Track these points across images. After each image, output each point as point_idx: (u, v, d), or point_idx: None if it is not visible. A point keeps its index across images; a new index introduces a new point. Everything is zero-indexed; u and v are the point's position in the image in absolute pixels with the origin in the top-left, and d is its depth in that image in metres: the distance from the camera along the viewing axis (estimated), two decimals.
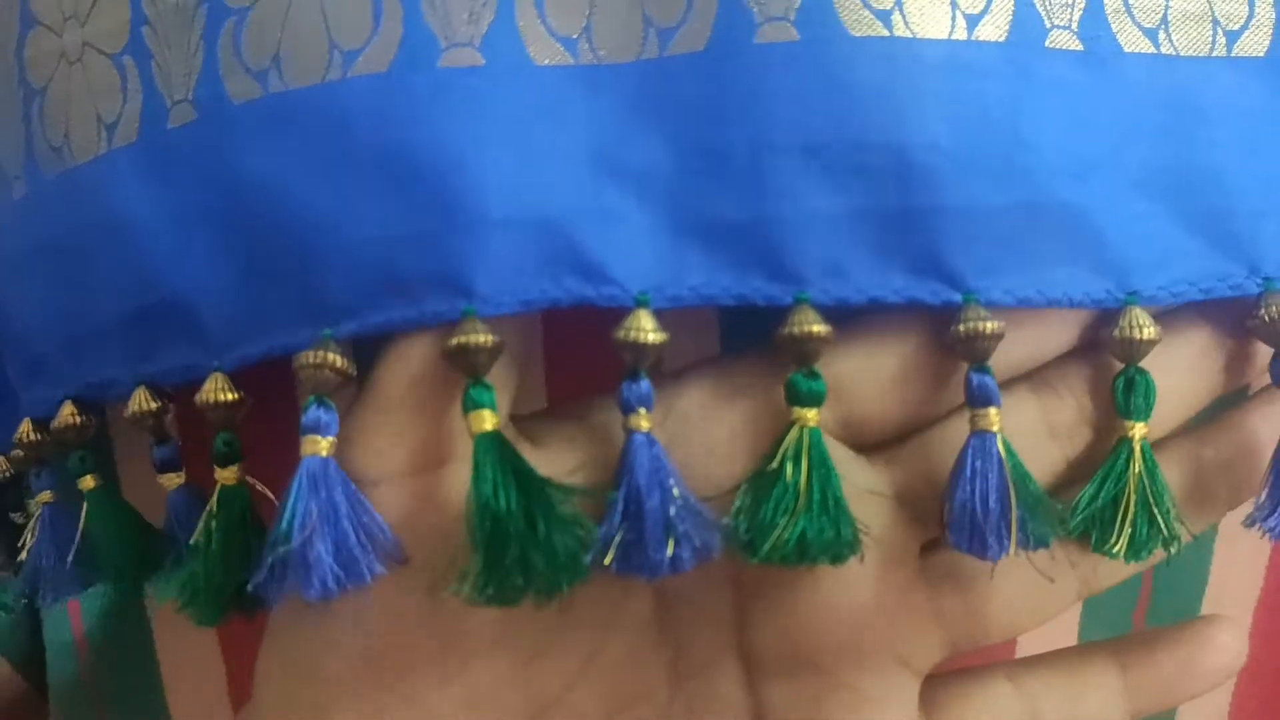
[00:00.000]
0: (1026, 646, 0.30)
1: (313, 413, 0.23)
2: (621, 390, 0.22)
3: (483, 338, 0.22)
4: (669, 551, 0.21)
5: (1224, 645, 0.27)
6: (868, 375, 0.25)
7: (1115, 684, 0.27)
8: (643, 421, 0.22)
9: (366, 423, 0.24)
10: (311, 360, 0.23)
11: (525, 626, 0.24)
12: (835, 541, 0.22)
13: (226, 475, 0.25)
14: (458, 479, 0.23)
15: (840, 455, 0.24)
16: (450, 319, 0.23)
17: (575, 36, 0.24)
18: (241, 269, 0.24)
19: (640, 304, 0.23)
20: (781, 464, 0.23)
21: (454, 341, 0.22)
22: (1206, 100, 0.25)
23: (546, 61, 0.24)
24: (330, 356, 0.23)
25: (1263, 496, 0.25)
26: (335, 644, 0.24)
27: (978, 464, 0.23)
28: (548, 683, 0.25)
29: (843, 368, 0.24)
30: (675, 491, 0.22)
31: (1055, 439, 0.26)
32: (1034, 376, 0.26)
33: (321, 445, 0.23)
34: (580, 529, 0.22)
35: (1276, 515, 0.24)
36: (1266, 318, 0.24)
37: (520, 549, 0.21)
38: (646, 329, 0.22)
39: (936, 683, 0.27)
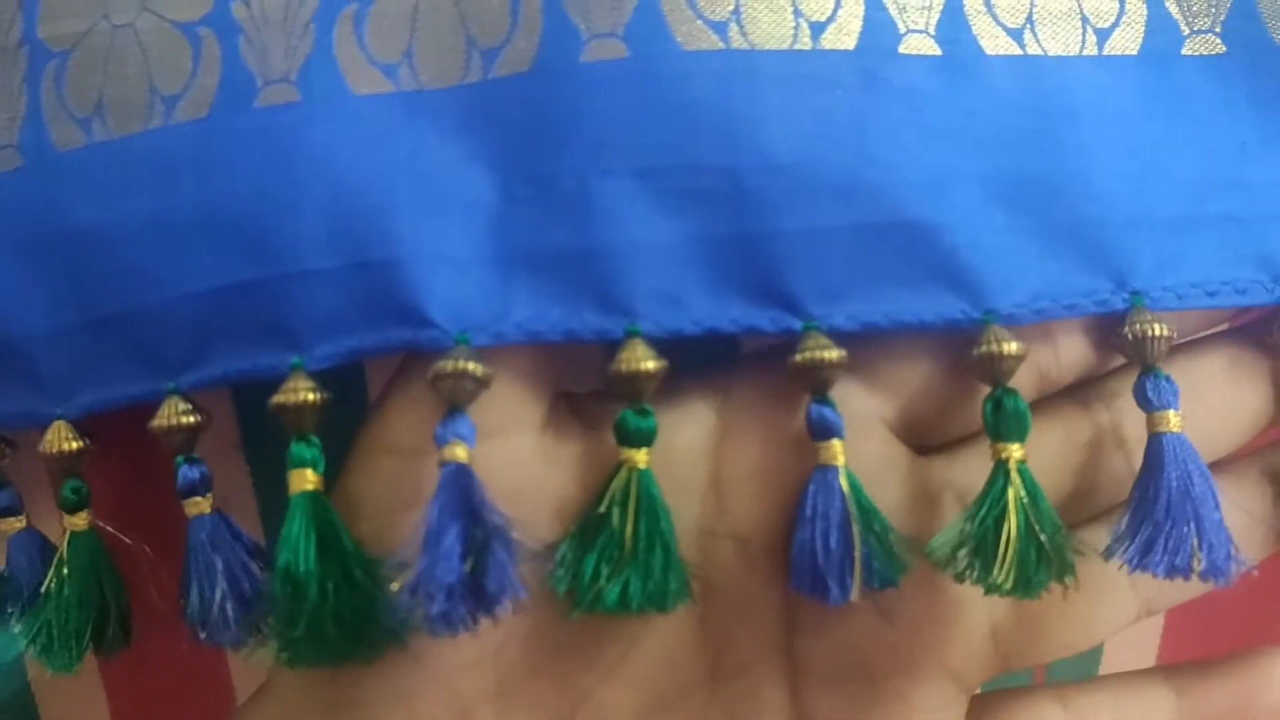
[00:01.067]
0: None
1: (183, 471, 0.23)
2: (437, 427, 0.21)
3: (307, 395, 0.22)
4: (466, 580, 0.20)
5: None
6: (925, 371, 0.24)
7: (1169, 711, 0.25)
8: (458, 452, 0.21)
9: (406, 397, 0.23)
10: (166, 421, 0.23)
11: (555, 616, 0.23)
12: (660, 595, 0.21)
13: (76, 522, 0.24)
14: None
15: (898, 454, 0.23)
16: (277, 372, 0.22)
17: (396, 62, 0.23)
18: (77, 319, 0.23)
19: (460, 344, 0.22)
20: (608, 509, 0.22)
21: (275, 400, 0.22)
22: (1077, 102, 0.23)
23: (366, 90, 0.23)
24: (179, 409, 0.23)
25: (1121, 525, 0.23)
26: None
27: (819, 501, 0.22)
28: (580, 677, 0.23)
29: (899, 366, 0.23)
30: (484, 519, 0.20)
31: (1083, 466, 0.24)
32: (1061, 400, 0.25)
33: (202, 504, 0.23)
34: (379, 600, 0.21)
35: (1136, 544, 0.22)
36: (1130, 335, 0.23)
37: (313, 616, 0.20)
38: (464, 366, 0.21)
39: (983, 701, 0.25)
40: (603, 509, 0.22)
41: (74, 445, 0.24)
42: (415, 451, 0.22)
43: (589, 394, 0.24)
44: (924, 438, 0.24)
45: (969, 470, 0.24)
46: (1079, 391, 0.25)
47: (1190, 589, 0.24)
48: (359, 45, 0.23)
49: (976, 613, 0.24)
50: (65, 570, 0.24)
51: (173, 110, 0.23)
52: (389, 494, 0.22)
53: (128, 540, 0.25)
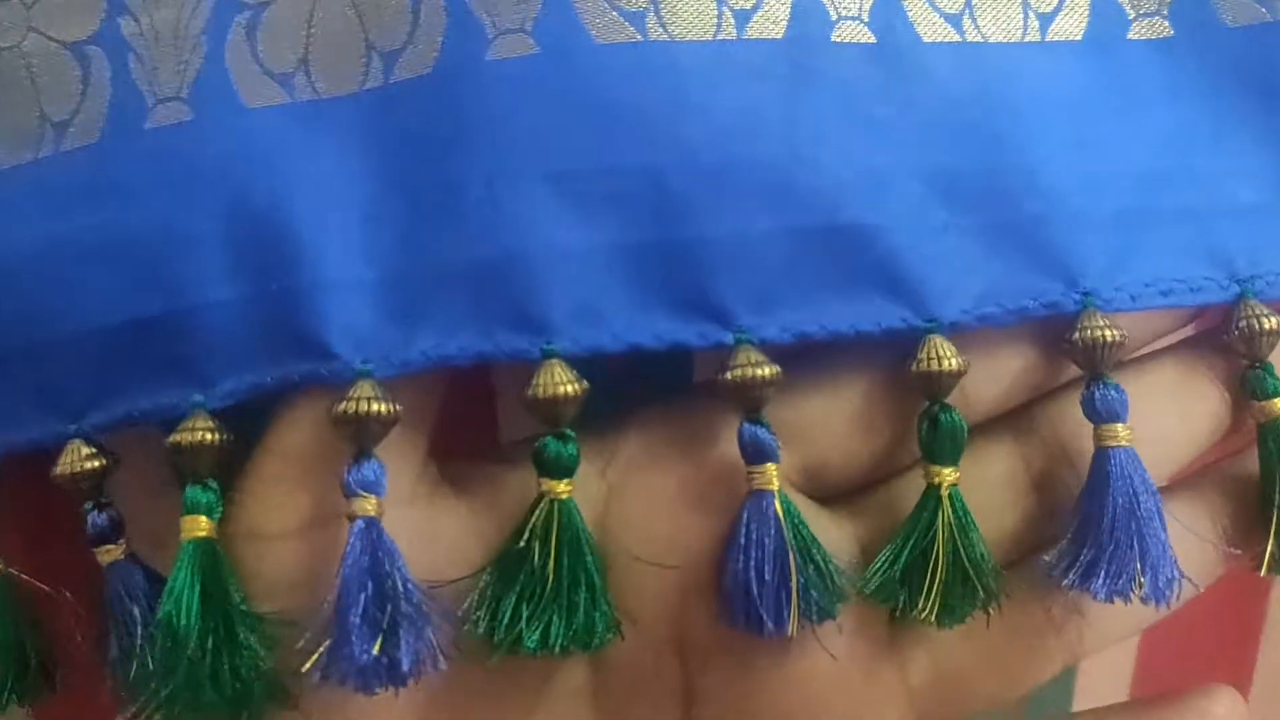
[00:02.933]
0: None
1: (91, 518, 0.21)
2: (344, 474, 0.20)
3: (205, 435, 0.20)
4: (379, 657, 0.19)
5: (1221, 717, 0.23)
6: (827, 418, 0.22)
7: None
8: (367, 506, 0.20)
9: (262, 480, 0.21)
10: (69, 468, 0.21)
11: (445, 696, 0.21)
12: (586, 634, 0.20)
13: None
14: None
15: (802, 508, 0.21)
16: (179, 410, 0.21)
17: (291, 71, 0.21)
18: None
19: (361, 376, 0.20)
20: (528, 544, 0.20)
21: (171, 440, 0.20)
22: (1019, 92, 0.22)
23: (259, 103, 0.21)
24: (82, 454, 0.21)
25: (1064, 544, 0.21)
26: None
27: (753, 529, 0.20)
28: None
29: (800, 411, 0.22)
30: (394, 585, 0.19)
31: (1036, 489, 0.23)
32: (1011, 420, 0.23)
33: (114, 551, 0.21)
34: (260, 660, 0.20)
35: (1078, 566, 0.21)
36: (1080, 341, 0.21)
37: (190, 673, 0.19)
38: (366, 398, 0.20)
39: None
40: (522, 543, 0.20)
41: None
42: (278, 535, 0.21)
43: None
44: (824, 489, 0.23)
45: (868, 523, 0.22)
46: (1020, 418, 0.23)
47: (1117, 632, 0.23)
48: (251, 55, 0.21)
49: (890, 674, 0.22)
50: None
51: (63, 136, 0.21)
52: (253, 583, 0.21)
53: (43, 586, 0.24)
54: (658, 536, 0.21)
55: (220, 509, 0.21)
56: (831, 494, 0.23)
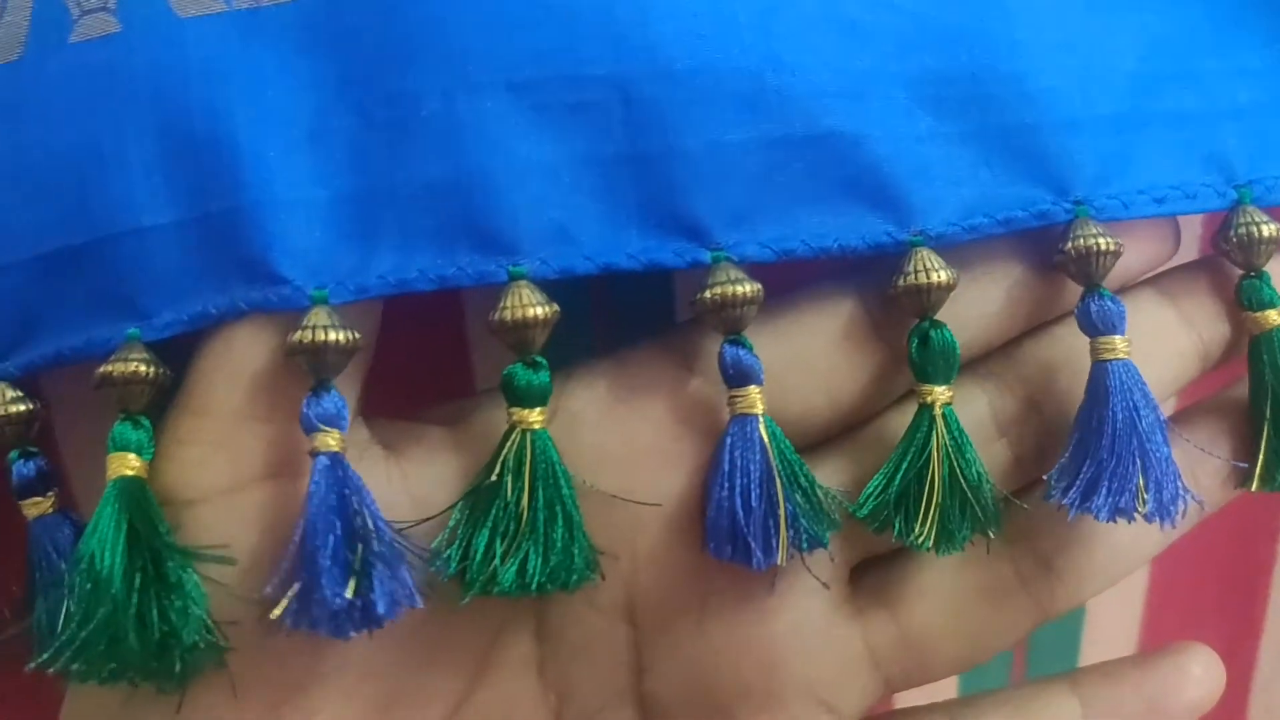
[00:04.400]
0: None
1: (16, 468, 0.20)
2: (302, 408, 0.19)
3: (138, 367, 0.19)
4: (353, 600, 0.18)
5: (1198, 678, 0.23)
6: (802, 359, 0.21)
7: None
8: (330, 441, 0.19)
9: (183, 432, 0.20)
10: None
11: (382, 667, 0.20)
12: (564, 571, 0.19)
13: None
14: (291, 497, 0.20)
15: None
16: (113, 346, 0.19)
17: None
18: None
19: (316, 302, 0.19)
20: (501, 477, 0.19)
21: (100, 370, 0.19)
22: None
23: (193, 11, 0.20)
24: (7, 396, 0.20)
25: (1063, 461, 0.21)
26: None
27: (737, 455, 0.19)
28: None
29: (774, 353, 0.20)
30: (364, 524, 0.18)
31: (1003, 436, 0.22)
32: (980, 367, 0.22)
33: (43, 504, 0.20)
34: (193, 604, 0.18)
35: (1078, 485, 0.20)
36: (1074, 251, 0.20)
37: (112, 617, 0.18)
38: (322, 326, 0.19)
39: None
40: (494, 477, 0.19)
41: None
42: (190, 501, 0.19)
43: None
44: (807, 437, 0.21)
45: (856, 459, 0.22)
46: (1008, 353, 0.22)
47: (1087, 589, 0.22)
48: None
49: (849, 634, 0.21)
50: None
51: None
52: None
53: None
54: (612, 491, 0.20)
55: (151, 448, 0.19)
56: (816, 442, 0.22)
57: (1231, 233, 0.21)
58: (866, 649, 0.22)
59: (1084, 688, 0.23)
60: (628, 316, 0.24)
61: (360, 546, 0.18)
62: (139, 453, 0.19)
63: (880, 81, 0.20)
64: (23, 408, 0.20)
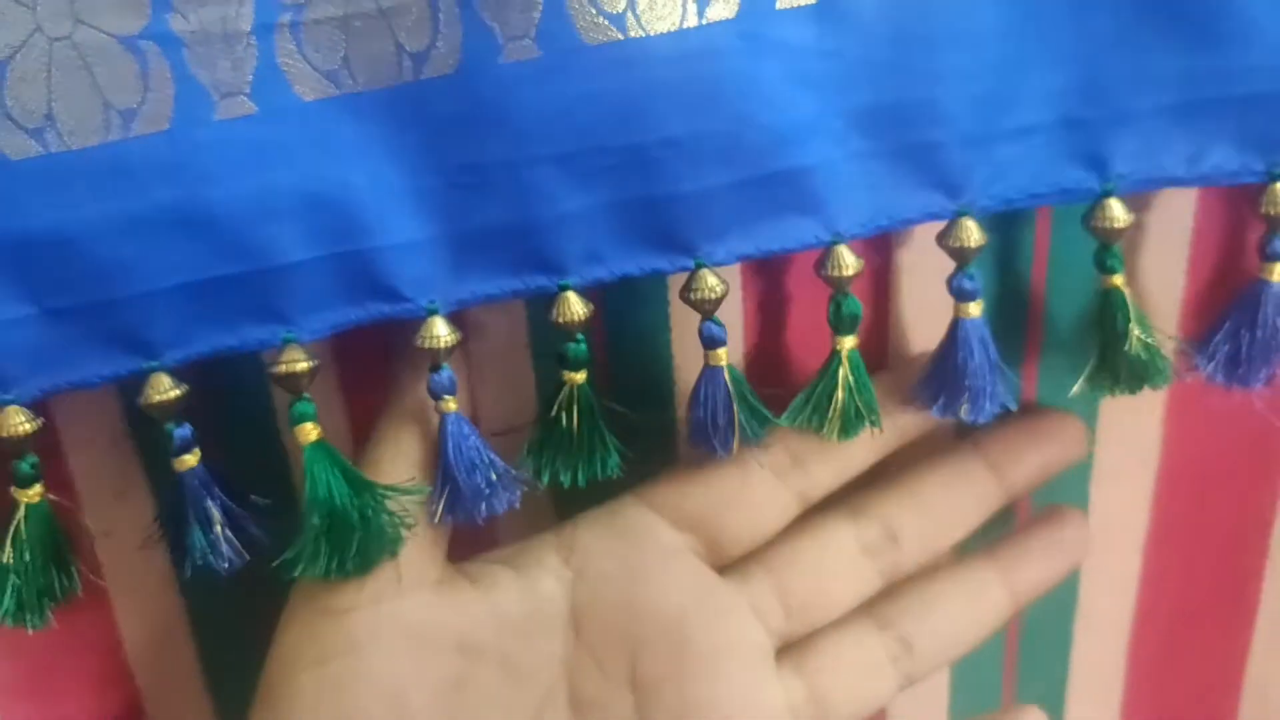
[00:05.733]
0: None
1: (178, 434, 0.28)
2: (429, 382, 0.28)
3: (301, 364, 0.27)
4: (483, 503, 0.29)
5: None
6: (715, 503, 0.31)
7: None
8: (450, 404, 0.28)
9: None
10: (153, 398, 0.27)
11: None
12: (604, 468, 0.30)
13: (30, 495, 0.28)
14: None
15: (708, 578, 0.31)
16: (272, 345, 0.27)
17: (336, 68, 0.26)
18: (33, 311, 0.26)
19: (431, 313, 0.27)
20: (557, 413, 0.29)
21: (273, 370, 0.27)
22: (936, 29, 0.26)
23: (312, 96, 0.26)
24: (165, 384, 0.27)
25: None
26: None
27: (709, 389, 0.29)
28: None
29: (695, 503, 0.31)
30: (482, 457, 0.29)
31: (868, 556, 0.32)
32: (850, 502, 0.32)
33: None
34: (399, 518, 0.29)
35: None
36: (950, 244, 0.29)
37: (345, 537, 0.28)
38: (439, 335, 0.27)
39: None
40: (553, 413, 0.29)
41: (29, 427, 0.26)
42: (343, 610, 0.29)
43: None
44: (723, 558, 0.31)
45: (761, 592, 0.31)
46: None
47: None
48: (300, 55, 0.25)
49: (774, 694, 0.31)
50: (23, 541, 0.28)
51: (131, 123, 0.25)
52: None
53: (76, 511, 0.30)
54: (619, 603, 0.30)
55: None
56: (732, 560, 0.32)
57: (1094, 217, 0.29)
58: (788, 707, 0.31)
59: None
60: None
61: (482, 472, 0.28)
62: (314, 421, 0.28)
63: (824, 117, 0.27)
64: (177, 392, 0.27)
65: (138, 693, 0.33)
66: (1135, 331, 0.30)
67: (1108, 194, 0.29)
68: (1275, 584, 0.35)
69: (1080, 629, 0.37)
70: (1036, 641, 0.38)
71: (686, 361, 0.32)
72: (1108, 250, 0.30)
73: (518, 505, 0.29)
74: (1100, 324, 0.31)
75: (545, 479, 0.29)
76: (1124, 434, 0.35)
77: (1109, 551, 0.36)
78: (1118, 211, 0.29)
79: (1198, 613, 0.36)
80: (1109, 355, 0.30)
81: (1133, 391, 0.31)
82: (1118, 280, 0.30)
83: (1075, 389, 0.31)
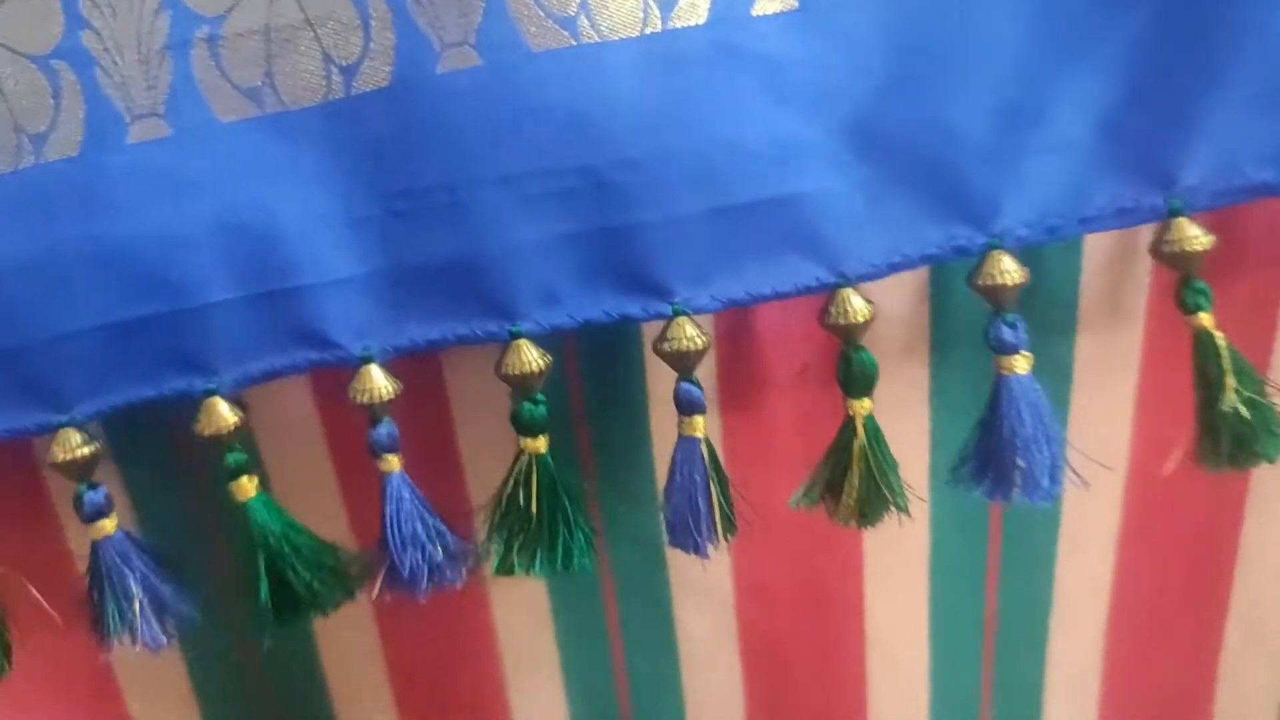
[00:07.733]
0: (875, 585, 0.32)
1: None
2: (369, 437, 0.24)
3: (84, 449, 0.24)
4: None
5: None
6: None
7: None
8: (393, 463, 0.25)
9: None
10: (60, 456, 0.24)
11: None
12: (566, 558, 0.25)
13: None
14: None
15: None
16: (192, 396, 0.24)
17: (259, 84, 0.23)
18: None
19: (365, 361, 0.24)
20: (514, 489, 0.25)
21: (200, 431, 0.24)
22: (941, 38, 0.23)
23: (232, 117, 0.23)
24: (75, 440, 0.24)
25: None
26: None
27: (686, 469, 0.24)
28: None
29: None
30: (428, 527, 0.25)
31: None
32: None
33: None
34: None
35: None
36: (982, 284, 0.24)
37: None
38: (376, 386, 0.24)
39: None
40: (510, 489, 0.25)
41: None
42: None
43: None
44: None
45: None
46: None
47: None
48: (219, 70, 0.23)
49: None
50: None
51: (42, 148, 0.23)
52: None
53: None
54: None
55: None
56: None
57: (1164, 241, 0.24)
58: None
59: None
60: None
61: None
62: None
63: (813, 141, 0.23)
64: (88, 450, 0.24)
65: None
66: (1231, 384, 0.24)
67: (1176, 212, 0.23)
68: (1246, 580, 0.32)
69: (1056, 628, 0.34)
70: (1013, 640, 0.33)
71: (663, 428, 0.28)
72: (1188, 284, 0.24)
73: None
74: (1197, 380, 0.25)
75: (498, 566, 0.25)
76: (1095, 434, 0.30)
77: (1083, 551, 0.32)
78: (1192, 232, 0.23)
79: (1171, 610, 0.34)
80: (1206, 416, 0.25)
81: (1240, 467, 0.24)
82: (1206, 320, 0.24)
83: (1169, 465, 0.26)
